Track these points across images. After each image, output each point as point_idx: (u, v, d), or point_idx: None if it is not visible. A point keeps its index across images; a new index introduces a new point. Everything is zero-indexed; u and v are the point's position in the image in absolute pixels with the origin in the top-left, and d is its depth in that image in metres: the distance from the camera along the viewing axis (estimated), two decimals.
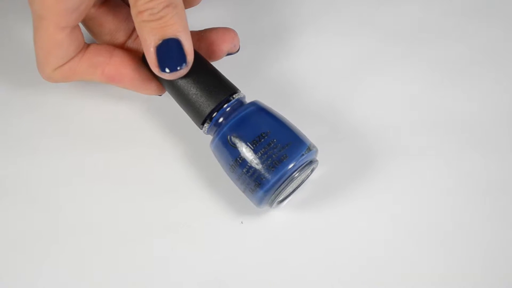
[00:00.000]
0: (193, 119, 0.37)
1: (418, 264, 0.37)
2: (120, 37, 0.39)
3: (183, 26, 0.35)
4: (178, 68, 0.35)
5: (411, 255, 0.37)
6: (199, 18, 0.45)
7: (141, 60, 0.38)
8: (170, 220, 0.38)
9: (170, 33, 0.34)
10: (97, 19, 0.39)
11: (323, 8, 0.47)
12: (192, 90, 0.36)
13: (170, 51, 0.34)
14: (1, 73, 0.44)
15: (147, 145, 0.41)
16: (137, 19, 0.34)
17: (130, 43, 0.40)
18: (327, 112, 0.42)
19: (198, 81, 0.36)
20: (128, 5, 0.39)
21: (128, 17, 0.39)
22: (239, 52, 0.44)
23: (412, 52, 0.45)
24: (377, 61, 0.45)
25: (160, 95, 0.40)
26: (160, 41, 0.34)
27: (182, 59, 0.35)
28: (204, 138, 0.39)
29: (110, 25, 0.39)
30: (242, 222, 0.38)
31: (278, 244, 0.38)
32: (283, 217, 0.39)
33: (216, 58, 0.39)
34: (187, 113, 0.37)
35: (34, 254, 0.37)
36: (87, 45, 0.38)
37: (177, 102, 0.37)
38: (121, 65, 0.38)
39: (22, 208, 0.39)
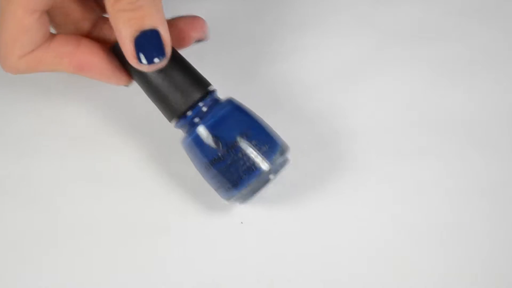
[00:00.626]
0: (164, 113, 0.37)
1: (418, 264, 0.37)
2: (84, 27, 0.38)
3: (161, 18, 0.34)
4: (157, 60, 0.34)
5: (411, 255, 0.37)
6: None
7: (110, 49, 0.37)
8: (170, 220, 0.38)
9: (148, 24, 0.33)
10: (63, 7, 0.37)
11: (323, 8, 0.47)
12: (165, 84, 0.35)
13: (148, 42, 0.33)
14: (1, 73, 0.44)
15: (146, 145, 0.41)
16: (113, 8, 0.33)
17: (95, 33, 0.39)
18: (326, 112, 0.42)
19: (172, 75, 0.35)
20: None
21: (94, 7, 0.38)
22: (238, 52, 0.45)
23: (412, 52, 0.45)
24: (377, 61, 0.45)
25: (127, 86, 0.39)
26: (138, 32, 0.33)
27: (161, 51, 0.34)
28: None
29: (76, 14, 0.38)
30: (242, 222, 0.38)
31: (278, 244, 0.38)
32: (283, 217, 0.39)
33: (185, 45, 0.38)
34: (158, 106, 0.37)
35: (33, 254, 0.37)
36: (53, 35, 0.37)
37: (147, 94, 0.37)
38: (89, 54, 0.37)
39: (22, 209, 0.39)
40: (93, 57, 0.37)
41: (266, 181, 0.37)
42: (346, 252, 0.37)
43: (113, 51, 0.37)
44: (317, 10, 0.47)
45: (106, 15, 0.39)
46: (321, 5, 0.47)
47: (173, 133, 0.41)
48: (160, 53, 0.34)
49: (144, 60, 0.34)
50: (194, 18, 0.38)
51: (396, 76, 0.44)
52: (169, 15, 0.36)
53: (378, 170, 0.40)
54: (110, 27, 0.38)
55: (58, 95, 0.43)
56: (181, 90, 0.35)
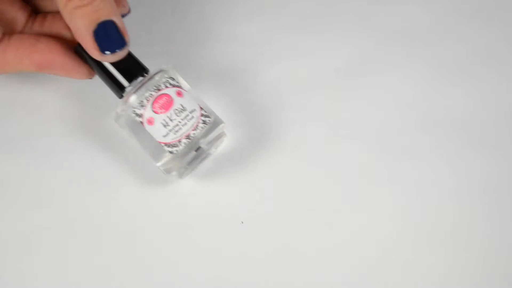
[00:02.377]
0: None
1: (418, 264, 0.37)
2: (16, 27, 0.39)
3: (114, 8, 0.35)
4: (118, 49, 0.35)
5: (410, 255, 0.37)
6: (197, 18, 0.45)
7: (74, 50, 0.38)
8: (170, 220, 0.38)
9: (104, 15, 0.34)
10: None
11: (323, 8, 0.47)
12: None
13: (107, 33, 0.35)
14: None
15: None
16: (67, 7, 0.34)
17: (27, 31, 0.39)
18: (326, 112, 0.42)
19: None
20: None
21: (23, 7, 0.39)
22: (238, 52, 0.44)
23: (412, 52, 0.45)
24: (377, 61, 0.45)
25: (91, 79, 0.39)
26: (96, 26, 0.34)
27: (121, 39, 0.35)
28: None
29: (7, 15, 0.38)
30: (242, 222, 0.38)
31: (278, 244, 0.38)
32: (282, 216, 0.39)
33: None
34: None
35: (33, 254, 0.37)
36: (8, 36, 0.37)
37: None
38: (48, 51, 0.37)
39: (22, 209, 0.39)
40: (52, 54, 0.37)
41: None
42: (347, 253, 0.37)
43: (76, 52, 0.38)
44: (317, 10, 0.47)
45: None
46: (321, 5, 0.47)
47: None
48: (121, 41, 0.35)
49: (106, 51, 0.35)
50: None
51: (396, 76, 0.44)
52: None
53: (378, 170, 0.40)
54: (40, 25, 0.39)
55: (58, 95, 0.42)
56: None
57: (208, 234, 0.38)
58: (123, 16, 0.39)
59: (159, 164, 0.37)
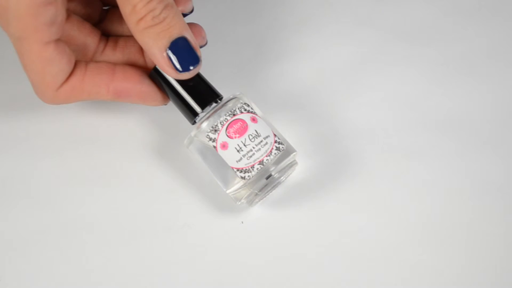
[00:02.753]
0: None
1: (419, 264, 0.37)
2: (87, 53, 0.38)
3: (185, 25, 0.35)
4: (192, 67, 0.35)
5: (411, 255, 0.37)
6: (196, 18, 0.45)
7: (149, 76, 0.38)
8: (171, 220, 0.38)
9: (176, 33, 0.34)
10: (63, 35, 0.36)
11: (323, 8, 0.47)
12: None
13: (181, 51, 0.34)
14: (1, 73, 0.44)
15: (146, 145, 0.41)
16: (138, 28, 0.34)
17: (98, 57, 0.39)
18: (326, 112, 0.42)
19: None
20: (88, 20, 0.38)
21: (93, 32, 0.38)
22: (238, 52, 0.45)
23: (412, 52, 0.45)
24: (377, 61, 0.45)
25: (166, 105, 0.39)
26: (169, 44, 0.34)
27: (195, 55, 0.35)
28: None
29: (77, 41, 0.37)
30: (242, 222, 0.38)
31: (278, 244, 0.38)
32: (283, 217, 0.39)
33: None
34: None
35: (34, 254, 0.37)
36: (85, 64, 0.37)
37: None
38: (125, 80, 0.37)
39: (22, 209, 0.39)
40: (129, 82, 0.37)
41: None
42: (346, 253, 0.37)
43: (151, 77, 0.38)
44: (317, 10, 0.47)
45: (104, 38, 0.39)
46: (321, 5, 0.47)
47: (173, 133, 0.41)
48: (194, 58, 0.35)
49: (181, 68, 0.35)
50: (194, 26, 0.38)
51: (396, 76, 0.44)
52: None
53: (378, 170, 0.40)
54: (112, 50, 0.38)
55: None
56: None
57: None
58: (185, 15, 0.38)
59: (229, 191, 0.37)
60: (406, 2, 0.47)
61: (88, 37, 0.38)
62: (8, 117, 0.42)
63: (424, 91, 0.43)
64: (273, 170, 0.36)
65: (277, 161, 0.36)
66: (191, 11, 0.39)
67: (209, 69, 0.38)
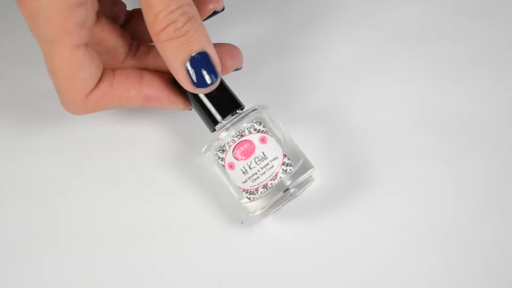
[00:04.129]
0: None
1: (419, 265, 0.37)
2: (118, 56, 0.38)
3: (208, 40, 0.34)
4: (210, 82, 0.34)
5: (411, 255, 0.37)
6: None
7: (172, 82, 0.38)
8: (171, 221, 0.38)
9: (197, 47, 0.33)
10: (93, 37, 0.36)
11: (324, 8, 0.47)
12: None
13: (200, 65, 0.34)
14: (1, 73, 0.44)
15: (146, 146, 0.41)
16: (159, 38, 0.33)
17: (129, 61, 0.38)
18: (327, 112, 0.42)
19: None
20: (114, 20, 0.38)
21: (123, 34, 0.38)
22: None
23: (412, 52, 0.45)
24: (377, 61, 0.45)
25: (190, 110, 0.39)
26: (189, 58, 0.33)
27: (213, 71, 0.34)
28: (200, 141, 0.39)
29: (107, 43, 0.37)
30: (242, 222, 0.38)
31: (278, 245, 0.38)
32: (283, 219, 0.39)
33: (223, 73, 0.38)
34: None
35: (34, 254, 0.37)
36: (113, 70, 0.37)
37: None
38: (154, 85, 0.37)
39: (22, 209, 0.39)
40: (157, 88, 0.37)
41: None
42: (345, 253, 0.37)
43: (174, 82, 0.37)
44: (317, 10, 0.47)
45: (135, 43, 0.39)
46: (321, 5, 0.47)
47: (173, 133, 0.41)
48: (213, 73, 0.34)
49: (199, 84, 0.34)
50: (231, 47, 0.38)
51: (396, 76, 0.44)
52: None
53: (378, 170, 0.40)
54: (144, 54, 0.38)
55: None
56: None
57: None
58: (216, 13, 0.38)
59: (242, 201, 0.37)
60: (406, 2, 0.47)
61: (119, 39, 0.37)
62: (8, 117, 0.42)
63: (424, 91, 0.43)
64: (290, 185, 0.36)
65: (294, 176, 0.36)
66: (223, 9, 0.38)
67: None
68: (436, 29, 0.46)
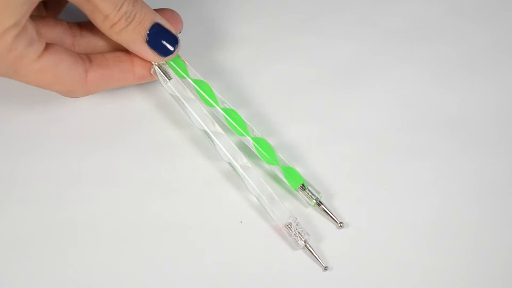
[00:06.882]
0: None
1: (419, 265, 0.37)
2: (66, 41, 0.39)
3: (153, 11, 0.37)
4: (173, 48, 0.38)
5: (411, 255, 0.37)
6: (197, 18, 0.45)
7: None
8: (171, 220, 0.38)
9: (148, 23, 0.36)
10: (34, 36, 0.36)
11: (323, 8, 0.47)
12: None
13: (158, 36, 0.37)
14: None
15: (147, 145, 0.41)
16: (114, 31, 0.36)
17: (78, 41, 0.39)
18: (326, 113, 0.42)
19: None
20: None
21: (57, 24, 0.39)
22: (239, 52, 0.45)
23: (412, 52, 0.45)
24: (377, 61, 0.45)
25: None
26: (146, 34, 0.36)
27: (171, 36, 0.37)
28: (201, 139, 0.39)
29: (50, 36, 0.38)
30: (241, 222, 0.38)
31: (278, 245, 0.38)
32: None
33: None
34: None
35: (34, 254, 0.37)
36: (103, 54, 0.39)
37: None
38: (144, 64, 0.39)
39: (22, 209, 0.39)
40: (147, 64, 0.39)
41: None
42: (344, 252, 0.37)
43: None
44: (317, 10, 0.47)
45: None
46: (321, 5, 0.47)
47: (174, 133, 0.41)
48: (173, 38, 0.38)
49: (164, 52, 0.37)
50: (172, 12, 0.40)
51: (396, 76, 0.44)
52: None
53: (377, 170, 0.40)
54: (90, 34, 0.39)
55: (58, 94, 0.43)
56: None
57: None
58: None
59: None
60: (406, 2, 0.47)
61: (55, 30, 0.38)
62: (7, 117, 0.42)
63: (424, 91, 0.43)
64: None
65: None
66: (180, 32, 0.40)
67: (209, 69, 0.38)
68: (436, 29, 0.46)
